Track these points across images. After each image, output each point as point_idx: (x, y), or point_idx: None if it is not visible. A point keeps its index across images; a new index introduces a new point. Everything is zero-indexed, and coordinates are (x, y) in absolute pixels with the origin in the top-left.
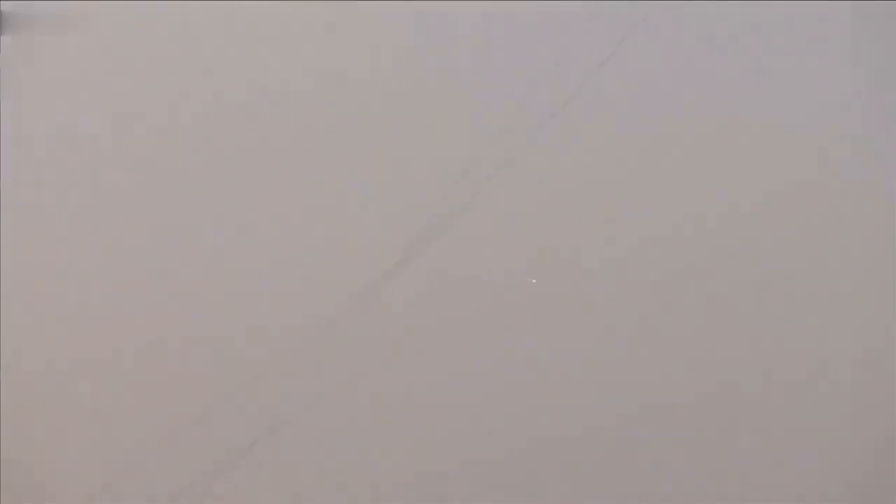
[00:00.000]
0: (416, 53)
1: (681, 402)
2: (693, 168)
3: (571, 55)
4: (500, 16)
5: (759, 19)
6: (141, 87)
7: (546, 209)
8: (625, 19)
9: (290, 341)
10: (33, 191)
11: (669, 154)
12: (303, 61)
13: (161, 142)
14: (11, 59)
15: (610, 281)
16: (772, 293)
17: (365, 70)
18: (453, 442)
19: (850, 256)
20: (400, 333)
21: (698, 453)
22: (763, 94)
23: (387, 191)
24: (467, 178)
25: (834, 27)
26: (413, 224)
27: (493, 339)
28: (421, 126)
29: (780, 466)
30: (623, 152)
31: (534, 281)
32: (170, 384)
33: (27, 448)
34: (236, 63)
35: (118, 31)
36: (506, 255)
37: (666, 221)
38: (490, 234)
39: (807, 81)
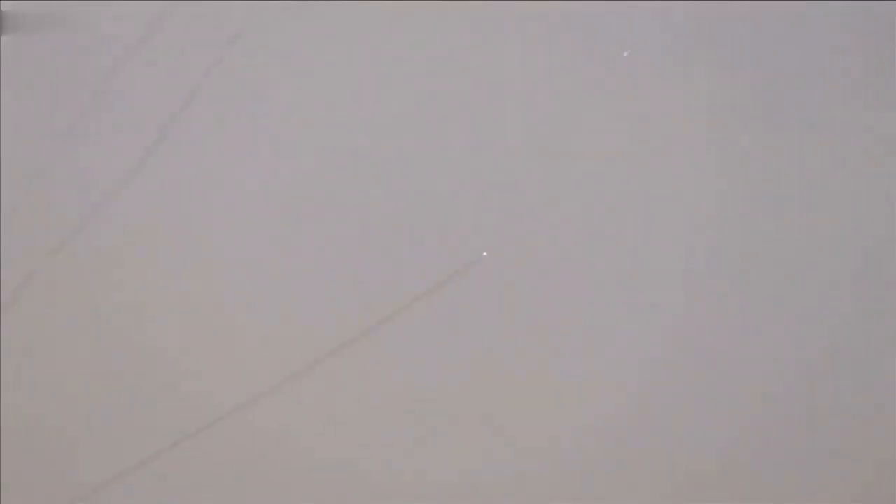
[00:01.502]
0: None
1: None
2: None
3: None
4: None
5: None
6: (142, 87)
7: None
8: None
9: None
10: (33, 191)
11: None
12: None
13: (162, 142)
14: (11, 59)
15: None
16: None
17: None
18: None
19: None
20: None
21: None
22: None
23: None
24: None
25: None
26: None
27: None
28: None
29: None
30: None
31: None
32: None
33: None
34: (238, 64)
35: (119, 32)
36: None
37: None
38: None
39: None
